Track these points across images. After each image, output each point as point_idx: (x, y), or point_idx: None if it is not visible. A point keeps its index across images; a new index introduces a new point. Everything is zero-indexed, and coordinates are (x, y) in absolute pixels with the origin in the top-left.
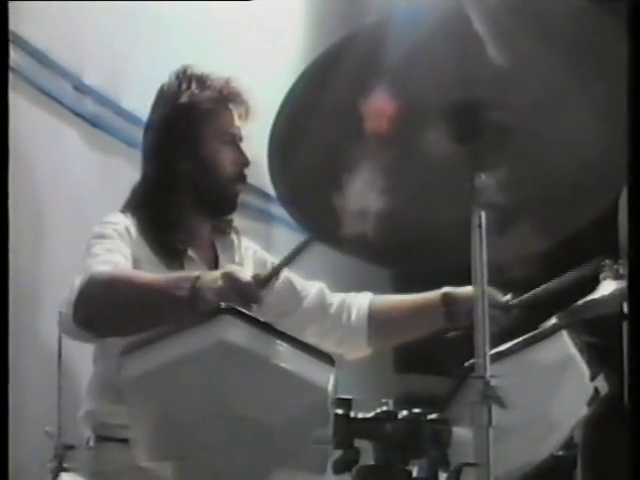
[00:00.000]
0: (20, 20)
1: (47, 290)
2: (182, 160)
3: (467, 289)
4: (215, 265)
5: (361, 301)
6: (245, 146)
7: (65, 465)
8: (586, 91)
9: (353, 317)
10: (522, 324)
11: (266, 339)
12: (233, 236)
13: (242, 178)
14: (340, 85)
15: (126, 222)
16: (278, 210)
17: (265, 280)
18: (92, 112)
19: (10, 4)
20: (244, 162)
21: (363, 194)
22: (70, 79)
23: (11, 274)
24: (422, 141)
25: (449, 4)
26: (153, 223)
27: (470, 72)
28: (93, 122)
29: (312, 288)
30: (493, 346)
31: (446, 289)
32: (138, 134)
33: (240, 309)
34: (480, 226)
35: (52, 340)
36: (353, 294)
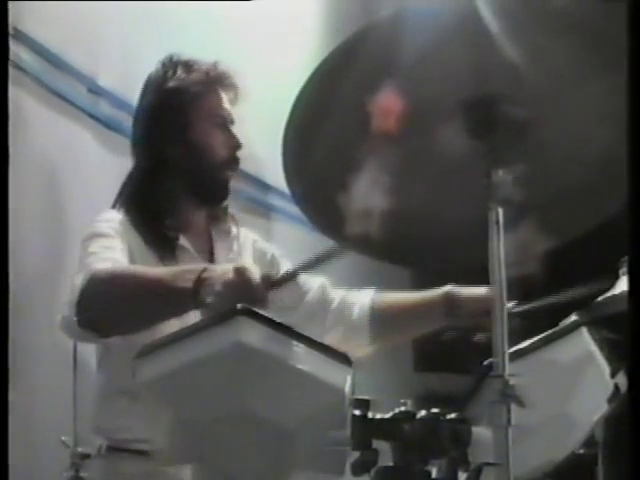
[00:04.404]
0: (33, 22)
1: (66, 293)
2: (172, 146)
3: (470, 289)
4: (210, 254)
5: (363, 298)
6: (237, 129)
7: (81, 474)
8: (602, 86)
9: (355, 314)
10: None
11: (282, 340)
12: (230, 224)
13: (234, 161)
14: (353, 82)
15: (119, 217)
16: (276, 200)
17: (275, 283)
18: (107, 114)
19: (24, 6)
20: (236, 145)
21: (378, 193)
22: (84, 81)
23: (28, 277)
24: (438, 138)
25: (462, 0)
26: (143, 212)
27: (485, 67)
28: (108, 124)
29: (314, 283)
30: (511, 343)
31: (449, 288)
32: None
33: (256, 310)
34: (497, 223)
35: (69, 346)
36: (354, 291)
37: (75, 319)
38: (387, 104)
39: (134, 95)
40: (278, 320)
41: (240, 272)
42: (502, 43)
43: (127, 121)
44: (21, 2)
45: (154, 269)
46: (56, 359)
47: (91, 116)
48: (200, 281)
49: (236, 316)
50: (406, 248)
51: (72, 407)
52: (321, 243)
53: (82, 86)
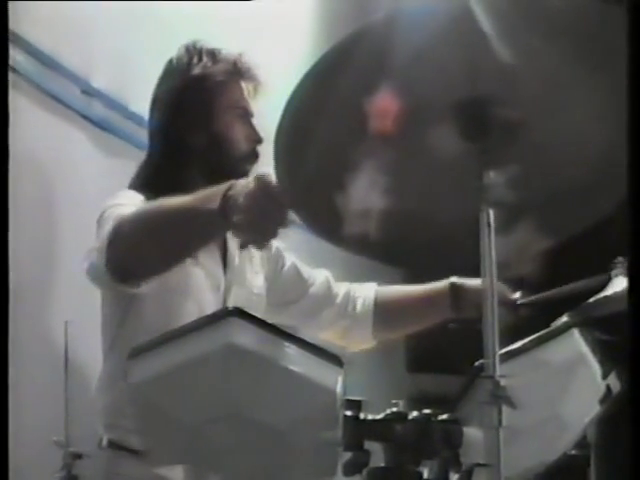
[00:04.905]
0: (27, 24)
1: (57, 294)
2: (194, 133)
3: (475, 281)
4: (223, 246)
5: (367, 292)
6: (256, 123)
7: (74, 474)
8: (595, 87)
9: (358, 308)
10: (530, 324)
11: (274, 341)
12: None
13: (254, 155)
14: (346, 83)
15: (139, 197)
16: None
17: None
18: (100, 115)
19: (17, 7)
20: (257, 139)
21: (371, 194)
22: (78, 82)
23: (20, 280)
24: (430, 139)
25: (456, 1)
26: (163, 196)
27: (478, 69)
28: (101, 125)
29: (318, 276)
30: (502, 344)
31: (453, 280)
32: (147, 137)
33: (247, 311)
34: (489, 224)
35: (60, 345)
36: (358, 284)
37: (105, 266)
38: (380, 105)
39: (128, 96)
40: (270, 321)
41: (261, 180)
42: (496, 44)
43: (120, 122)
44: (14, 3)
45: (179, 198)
46: (47, 359)
47: (84, 117)
48: (226, 199)
49: (227, 317)
50: (400, 249)
51: (64, 407)
52: (313, 244)
53: (75, 87)
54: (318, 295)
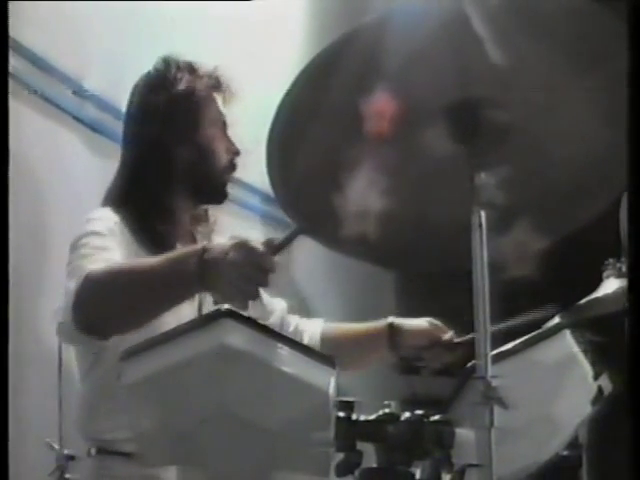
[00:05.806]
0: (19, 26)
1: (49, 297)
2: (180, 146)
3: (413, 322)
4: None
5: (314, 327)
6: (231, 134)
7: (67, 476)
8: (586, 89)
9: (305, 342)
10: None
11: (266, 342)
12: (212, 226)
13: (233, 167)
14: (339, 84)
15: (114, 217)
16: (263, 203)
17: (279, 247)
18: (92, 117)
19: (10, 10)
20: (235, 150)
21: (363, 195)
22: (70, 84)
23: (12, 280)
24: (422, 141)
25: (449, 3)
26: (141, 213)
27: (470, 71)
28: (93, 127)
29: (277, 305)
30: (494, 346)
31: (391, 319)
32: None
33: (240, 312)
34: (480, 226)
35: (53, 347)
36: (305, 319)
37: (73, 324)
38: (372, 107)
39: (119, 98)
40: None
41: (241, 247)
42: (488, 47)
43: (112, 124)
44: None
45: (149, 259)
46: (41, 362)
47: (76, 119)
48: (204, 264)
49: (220, 318)
50: (392, 251)
51: (57, 409)
52: (305, 245)
53: (67, 89)
54: (276, 325)
